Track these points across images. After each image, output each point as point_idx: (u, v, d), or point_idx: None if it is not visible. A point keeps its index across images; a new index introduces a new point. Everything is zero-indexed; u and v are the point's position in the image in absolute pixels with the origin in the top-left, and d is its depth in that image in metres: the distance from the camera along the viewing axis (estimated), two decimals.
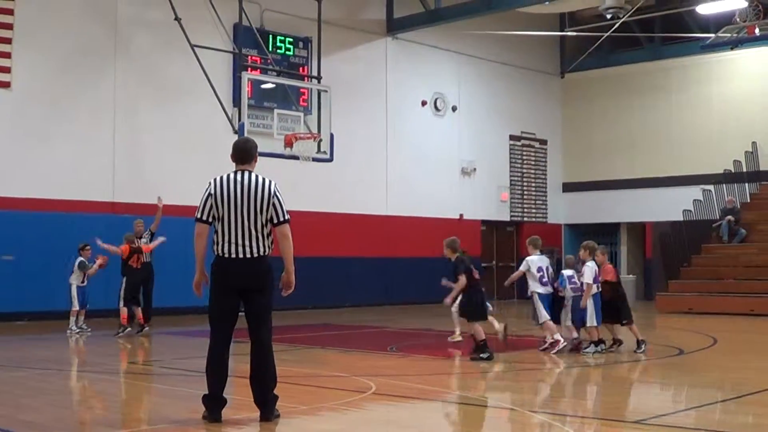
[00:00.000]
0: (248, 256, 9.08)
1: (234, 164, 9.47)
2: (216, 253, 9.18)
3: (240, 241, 9.07)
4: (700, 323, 23.21)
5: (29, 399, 10.84)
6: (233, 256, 9.08)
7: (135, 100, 25.08)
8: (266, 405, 9.20)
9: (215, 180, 9.31)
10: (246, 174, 9.26)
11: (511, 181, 35.88)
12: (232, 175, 9.28)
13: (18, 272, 22.66)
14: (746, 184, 32.74)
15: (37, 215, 23.14)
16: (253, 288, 9.16)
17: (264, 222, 9.16)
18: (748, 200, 32.44)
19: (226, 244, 9.10)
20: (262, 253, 9.13)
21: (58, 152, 23.75)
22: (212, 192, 9.19)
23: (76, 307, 19.99)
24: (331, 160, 23.90)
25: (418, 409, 10.78)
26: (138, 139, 25.14)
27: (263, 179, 9.25)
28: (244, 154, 9.45)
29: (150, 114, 25.33)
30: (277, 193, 9.24)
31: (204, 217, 9.18)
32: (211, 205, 9.16)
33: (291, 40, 28.05)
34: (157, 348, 18.00)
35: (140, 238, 21.96)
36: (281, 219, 9.23)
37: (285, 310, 25.91)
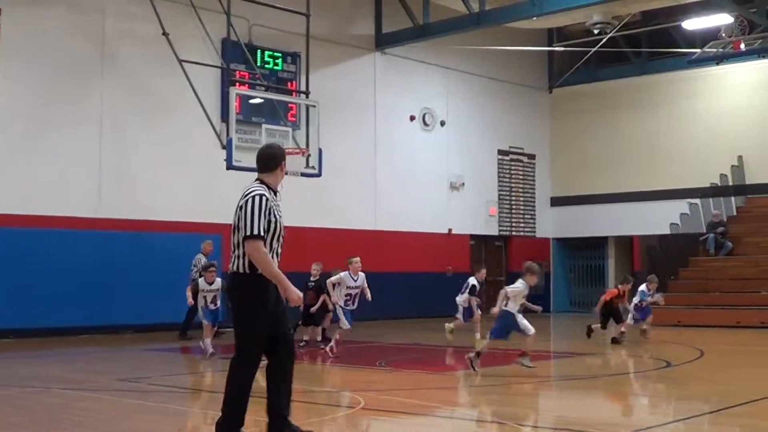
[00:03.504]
0: (231, 269, 8.71)
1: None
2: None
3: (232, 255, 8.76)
4: (688, 336, 23.25)
5: (15, 417, 10.80)
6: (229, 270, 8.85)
7: (122, 115, 25.03)
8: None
9: None
10: (251, 184, 8.87)
11: (499, 195, 35.91)
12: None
13: (1, 289, 22.52)
14: (732, 198, 32.87)
15: (21, 231, 22.92)
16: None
17: (241, 237, 8.58)
18: (735, 214, 32.58)
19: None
20: (235, 269, 8.62)
21: (44, 168, 23.63)
22: None
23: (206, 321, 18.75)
24: (319, 175, 23.86)
25: (407, 424, 10.77)
26: (125, 154, 25.09)
27: (250, 190, 8.71)
28: (258, 162, 9.07)
29: (137, 129, 25.27)
30: (249, 205, 8.53)
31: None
32: None
33: (279, 55, 28.05)
34: (145, 365, 17.94)
35: (207, 255, 22.28)
36: (246, 233, 8.46)
37: None
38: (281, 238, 8.73)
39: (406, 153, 32.17)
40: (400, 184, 31.76)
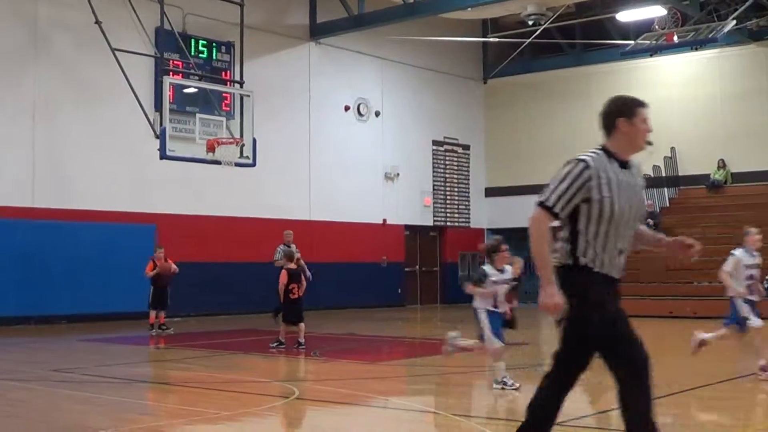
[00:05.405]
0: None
1: None
2: None
3: None
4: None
5: None
6: None
7: (55, 104, 24.77)
8: None
9: None
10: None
11: (434, 186, 36.01)
12: None
13: None
14: (665, 189, 33.24)
15: None
16: None
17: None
18: (668, 205, 32.96)
19: None
20: (558, 260, 6.52)
21: None
22: None
23: (493, 343, 12.28)
24: (253, 165, 23.79)
25: (341, 414, 10.79)
26: (58, 143, 24.83)
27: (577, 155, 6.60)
28: (599, 122, 6.80)
29: (70, 118, 25.03)
30: (560, 169, 6.48)
31: None
32: None
33: (213, 44, 27.92)
34: (79, 355, 17.78)
35: (289, 246, 22.39)
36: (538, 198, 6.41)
37: (209, 315, 25.83)
38: (623, 227, 6.60)
39: (341, 143, 32.15)
40: (334, 175, 31.73)
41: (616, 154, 6.58)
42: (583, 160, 6.40)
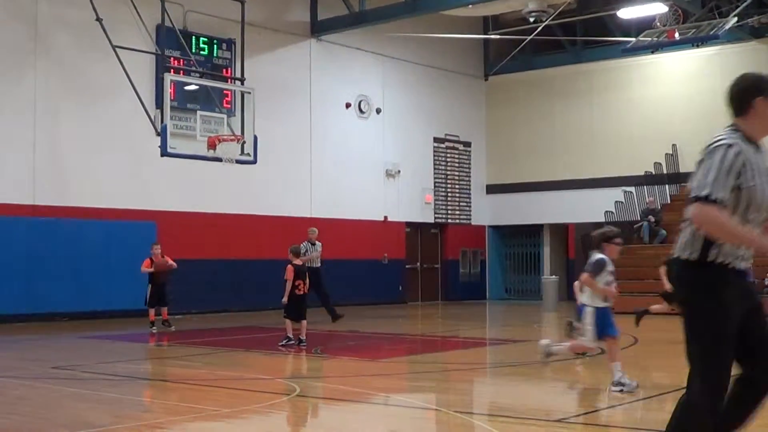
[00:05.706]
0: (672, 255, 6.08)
1: None
2: None
3: None
4: (622, 323, 23.32)
5: None
6: None
7: (56, 101, 24.75)
8: None
9: None
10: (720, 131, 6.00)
11: (435, 183, 35.98)
12: None
13: None
14: (666, 186, 33.18)
15: None
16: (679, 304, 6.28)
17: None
18: (669, 201, 32.88)
19: None
20: (677, 254, 5.97)
21: None
22: None
23: (590, 341, 12.11)
24: (254, 162, 23.78)
25: (342, 411, 10.78)
26: (59, 140, 24.81)
27: (714, 139, 5.93)
28: (728, 100, 6.09)
29: (71, 115, 25.00)
30: (708, 159, 5.76)
31: None
32: None
33: (214, 41, 27.89)
34: (80, 352, 17.76)
35: (314, 244, 23.17)
36: (694, 193, 5.68)
37: (210, 313, 25.81)
38: (761, 216, 5.81)
39: (342, 140, 32.11)
40: (335, 172, 31.70)
41: (751, 136, 5.85)
42: (731, 145, 5.69)
